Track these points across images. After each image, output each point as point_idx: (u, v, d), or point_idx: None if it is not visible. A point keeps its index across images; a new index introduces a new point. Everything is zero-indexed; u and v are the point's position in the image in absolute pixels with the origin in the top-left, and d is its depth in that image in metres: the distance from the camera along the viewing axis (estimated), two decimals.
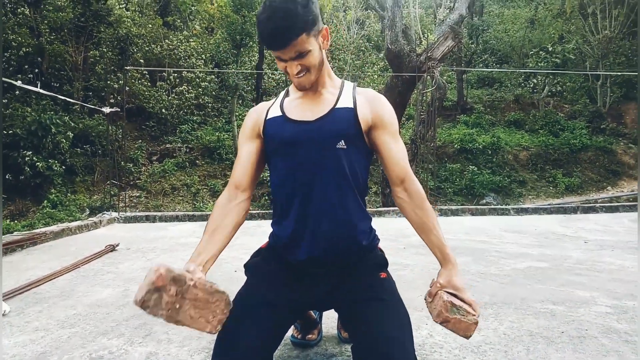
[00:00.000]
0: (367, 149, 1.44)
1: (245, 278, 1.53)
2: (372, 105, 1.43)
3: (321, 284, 1.43)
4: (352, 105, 1.40)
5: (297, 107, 1.43)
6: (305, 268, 1.42)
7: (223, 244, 1.35)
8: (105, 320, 2.12)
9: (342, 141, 1.35)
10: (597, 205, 7.59)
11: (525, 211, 7.14)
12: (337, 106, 1.40)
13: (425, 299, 1.41)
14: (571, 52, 15.66)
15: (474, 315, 1.29)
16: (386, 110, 1.45)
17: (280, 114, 1.43)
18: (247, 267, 1.55)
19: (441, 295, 1.31)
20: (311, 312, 1.76)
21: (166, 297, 1.07)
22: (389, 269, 1.53)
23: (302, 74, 1.33)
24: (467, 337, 1.30)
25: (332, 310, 1.55)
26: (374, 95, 1.47)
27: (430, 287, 1.41)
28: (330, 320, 1.99)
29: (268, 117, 1.45)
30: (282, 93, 1.53)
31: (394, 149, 1.43)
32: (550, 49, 15.74)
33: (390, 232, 5.09)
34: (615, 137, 14.71)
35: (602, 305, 2.26)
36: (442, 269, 1.40)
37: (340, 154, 1.36)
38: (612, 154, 13.69)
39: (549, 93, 16.94)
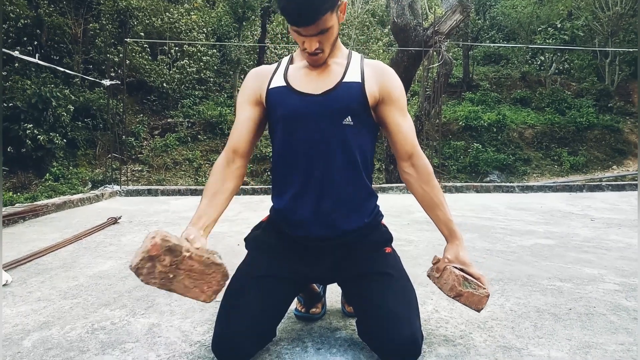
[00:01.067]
0: (373, 125, 1.40)
1: (246, 252, 1.51)
2: (381, 79, 1.37)
3: (324, 257, 1.40)
4: (359, 80, 1.34)
5: (302, 77, 1.36)
6: (306, 243, 1.39)
7: (223, 207, 1.34)
8: (108, 292, 2.10)
9: (349, 117, 1.31)
10: (604, 183, 7.52)
11: (531, 189, 7.09)
12: (345, 80, 1.34)
13: (429, 275, 1.40)
14: (580, 28, 15.36)
15: (485, 288, 1.29)
16: (395, 84, 1.40)
17: (284, 84, 1.37)
18: (248, 240, 1.52)
19: (452, 270, 1.30)
20: (315, 285, 1.73)
21: (159, 267, 1.06)
22: (392, 244, 1.50)
23: (319, 52, 1.29)
24: (479, 311, 1.30)
25: (336, 284, 1.53)
26: (382, 68, 1.41)
27: (433, 263, 1.40)
28: (334, 294, 1.96)
29: (271, 86, 1.39)
30: (286, 59, 1.46)
31: (403, 124, 1.39)
32: (558, 25, 15.45)
33: (394, 208, 5.06)
34: (622, 115, 14.54)
35: (610, 282, 2.23)
36: (449, 244, 1.39)
37: (347, 131, 1.31)
38: (619, 132, 13.56)
39: (556, 70, 16.69)
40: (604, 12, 15.66)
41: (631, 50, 14.30)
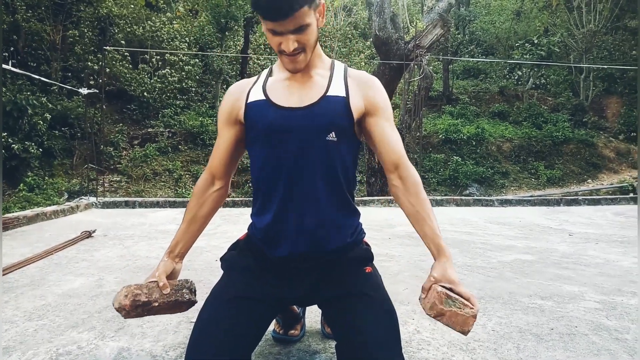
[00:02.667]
0: (357, 141, 1.35)
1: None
2: (365, 92, 1.32)
3: (302, 279, 1.34)
4: (344, 94, 1.29)
5: (282, 90, 1.30)
6: (285, 263, 1.33)
7: (199, 232, 1.46)
8: (76, 312, 2.00)
9: (333, 133, 1.25)
10: (580, 197, 7.66)
11: (509, 202, 7.17)
12: (329, 94, 1.28)
13: (420, 299, 1.28)
14: (556, 45, 15.78)
15: (472, 308, 1.17)
16: (380, 95, 1.35)
17: (263, 97, 1.30)
18: (223, 260, 1.45)
19: (435, 288, 1.22)
20: (294, 306, 1.67)
21: (134, 313, 1.27)
22: (374, 260, 1.46)
23: (297, 52, 1.20)
24: (465, 333, 1.18)
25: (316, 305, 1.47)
26: (367, 79, 1.36)
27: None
28: (313, 314, 1.91)
29: (249, 100, 1.32)
30: (265, 72, 1.39)
31: (389, 133, 1.32)
32: (535, 41, 15.84)
33: (376, 222, 5.04)
34: (596, 130, 14.93)
35: (590, 300, 2.23)
36: (436, 262, 1.29)
37: (331, 147, 1.25)
38: (593, 147, 13.89)
39: (533, 85, 17.08)
40: (579, 29, 16.13)
41: (605, 66, 14.74)
